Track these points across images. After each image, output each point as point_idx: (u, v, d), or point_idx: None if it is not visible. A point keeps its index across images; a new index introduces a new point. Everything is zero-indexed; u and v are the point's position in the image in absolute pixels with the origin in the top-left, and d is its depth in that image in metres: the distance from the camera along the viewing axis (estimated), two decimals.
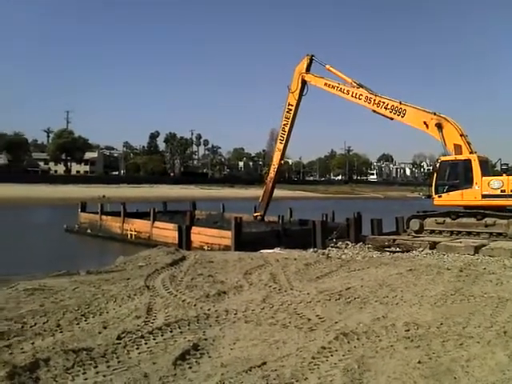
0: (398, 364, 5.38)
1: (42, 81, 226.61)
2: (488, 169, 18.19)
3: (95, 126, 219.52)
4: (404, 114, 19.23)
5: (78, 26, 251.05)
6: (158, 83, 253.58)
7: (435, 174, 18.94)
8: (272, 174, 24.41)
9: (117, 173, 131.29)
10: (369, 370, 5.18)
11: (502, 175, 17.51)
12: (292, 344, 6.05)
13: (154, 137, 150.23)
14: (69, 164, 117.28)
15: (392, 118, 19.58)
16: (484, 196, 17.23)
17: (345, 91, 20.93)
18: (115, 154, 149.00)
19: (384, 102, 19.77)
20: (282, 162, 24.04)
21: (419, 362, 5.39)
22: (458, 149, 18.06)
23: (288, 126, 23.13)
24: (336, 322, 7.00)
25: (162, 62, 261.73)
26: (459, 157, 17.94)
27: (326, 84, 21.69)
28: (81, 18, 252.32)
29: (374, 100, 19.99)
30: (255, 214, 24.71)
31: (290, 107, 22.96)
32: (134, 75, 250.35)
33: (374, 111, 20.08)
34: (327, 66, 21.79)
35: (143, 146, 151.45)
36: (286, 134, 23.29)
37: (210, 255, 13.73)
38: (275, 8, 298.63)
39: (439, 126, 18.13)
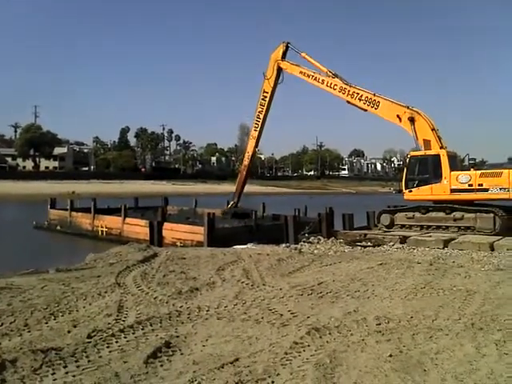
0: (369, 358, 5.43)
1: (8, 76, 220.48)
2: (456, 164, 18.49)
3: (64, 121, 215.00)
4: (378, 106, 19.36)
5: (45, 20, 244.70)
6: (129, 79, 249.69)
7: (405, 169, 19.18)
8: (246, 161, 24.51)
9: (87, 168, 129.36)
10: (340, 365, 5.21)
11: (470, 170, 17.84)
12: (264, 340, 6.05)
13: (124, 132, 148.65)
14: (37, 160, 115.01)
15: (366, 110, 19.70)
16: (453, 190, 17.53)
17: (320, 80, 20.92)
18: (85, 150, 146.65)
19: (358, 93, 19.84)
20: (257, 149, 24.02)
21: (390, 356, 5.46)
22: (427, 144, 18.35)
23: (263, 113, 23.16)
24: (308, 317, 7.03)
25: (134, 58, 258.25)
26: (428, 152, 18.22)
27: (301, 72, 21.68)
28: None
29: (349, 91, 20.04)
30: (228, 206, 24.83)
31: (265, 94, 22.99)
32: (104, 70, 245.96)
33: (349, 102, 20.13)
34: (303, 54, 21.77)
35: (114, 142, 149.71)
36: (261, 121, 23.32)
37: (182, 251, 13.63)
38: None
39: (411, 120, 18.35)
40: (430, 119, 18.50)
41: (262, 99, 23.09)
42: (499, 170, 16.99)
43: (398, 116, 18.78)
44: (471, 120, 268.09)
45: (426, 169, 18.35)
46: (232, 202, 24.96)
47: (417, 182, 18.52)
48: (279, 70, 22.55)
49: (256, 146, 24.04)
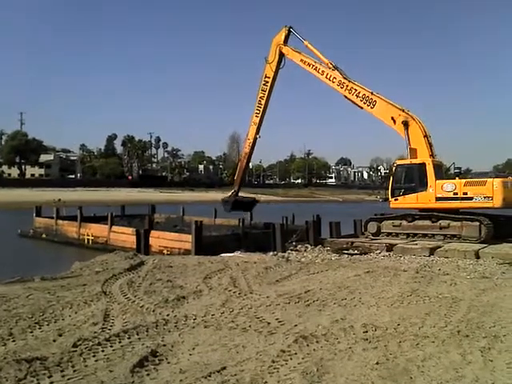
0: (356, 366, 5.44)
1: None
2: (441, 172, 18.65)
3: (51, 129, 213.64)
4: (374, 105, 19.28)
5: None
6: (116, 86, 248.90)
7: (391, 178, 19.32)
8: (247, 148, 24.22)
9: (73, 176, 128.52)
10: (328, 373, 5.22)
11: (455, 179, 18.01)
12: (252, 348, 6.04)
13: (111, 139, 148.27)
14: (23, 167, 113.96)
15: (362, 107, 19.59)
16: (438, 199, 17.69)
17: (320, 71, 20.65)
18: (72, 157, 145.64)
19: (356, 90, 19.70)
20: (258, 136, 23.53)
21: (377, 363, 5.48)
22: (413, 152, 18.51)
23: (264, 98, 22.83)
24: (295, 325, 7.03)
25: (121, 65, 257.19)
26: (414, 160, 18.37)
27: (301, 60, 21.36)
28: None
29: (347, 85, 19.88)
30: (229, 195, 25.08)
31: (266, 79, 22.69)
32: (91, 78, 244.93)
33: (346, 97, 19.96)
34: (305, 42, 21.38)
35: (100, 149, 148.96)
36: (263, 107, 22.97)
37: (169, 260, 13.57)
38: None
39: (406, 124, 18.43)
40: (424, 125, 18.57)
41: (264, 84, 22.75)
42: (483, 179, 17.18)
43: (392, 118, 18.79)
44: (457, 128, 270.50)
45: (411, 177, 18.49)
46: (233, 191, 24.90)
47: (403, 190, 18.65)
48: (281, 54, 22.17)
49: (257, 132, 23.49)
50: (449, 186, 17.51)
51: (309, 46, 21.31)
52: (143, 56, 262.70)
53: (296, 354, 5.80)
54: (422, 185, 18.02)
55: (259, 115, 23.10)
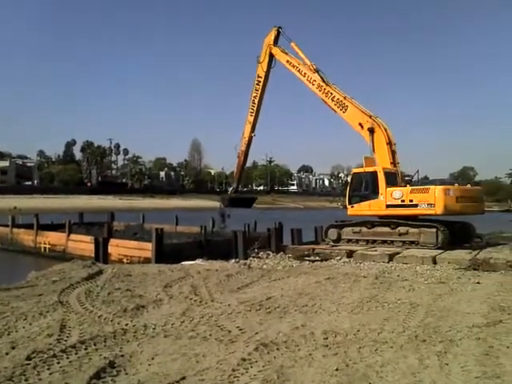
0: (316, 372, 5.46)
1: None
2: (397, 180, 18.92)
3: (6, 134, 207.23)
4: (346, 110, 19.64)
5: None
6: (75, 91, 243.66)
7: (349, 185, 19.72)
8: (243, 147, 24.63)
9: (30, 183, 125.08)
10: (288, 380, 5.21)
11: (406, 186, 18.41)
12: (212, 357, 5.98)
13: (70, 145, 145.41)
14: None
15: (335, 111, 19.98)
16: (388, 206, 18.10)
17: (302, 73, 21.15)
18: (28, 164, 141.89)
19: (332, 94, 20.08)
20: (253, 134, 24.18)
21: (337, 370, 5.50)
22: (368, 161, 18.98)
23: (257, 97, 23.47)
24: (256, 333, 7.01)
25: (80, 70, 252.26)
26: (367, 168, 18.89)
27: (287, 61, 21.91)
28: None
29: (325, 89, 20.28)
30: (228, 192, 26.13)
31: (259, 79, 23.33)
32: (50, 83, 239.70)
33: (323, 100, 20.36)
34: (292, 43, 21.93)
35: (59, 155, 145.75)
36: (256, 106, 23.59)
37: (129, 268, 13.34)
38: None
39: (371, 130, 18.82)
40: (389, 133, 18.96)
41: (257, 84, 23.43)
42: (427, 187, 17.68)
43: (360, 124, 19.18)
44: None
45: (365, 185, 18.92)
46: (232, 188, 25.68)
47: (358, 197, 19.02)
48: (272, 55, 22.78)
49: (252, 131, 24.11)
50: (397, 194, 17.93)
51: (295, 47, 21.85)
52: (101, 60, 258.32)
53: (257, 361, 5.78)
54: (374, 192, 18.43)
55: (253, 114, 23.74)
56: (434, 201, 17.01)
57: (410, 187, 18.06)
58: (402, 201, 17.76)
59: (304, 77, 21.05)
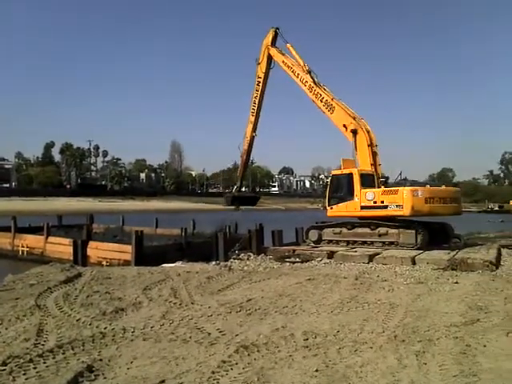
0: (296, 374, 5.46)
1: None
2: (373, 182, 18.99)
3: None
4: (333, 111, 19.80)
5: None
6: (55, 91, 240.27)
7: (328, 187, 19.86)
8: (245, 146, 24.91)
9: (8, 185, 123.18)
10: (268, 382, 5.20)
11: (380, 187, 18.58)
12: (192, 360, 5.94)
13: (48, 147, 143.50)
14: None
15: (324, 112, 20.16)
16: (362, 207, 18.26)
17: (296, 73, 21.33)
18: (6, 166, 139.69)
19: (321, 95, 20.23)
20: (255, 134, 24.50)
21: (316, 371, 5.51)
22: (346, 162, 19.14)
23: (258, 97, 23.77)
24: (237, 335, 6.99)
25: (56, 69, 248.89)
26: (345, 170, 19.06)
27: (283, 62, 22.12)
28: None
29: (315, 90, 20.43)
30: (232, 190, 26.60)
31: (258, 79, 23.62)
32: (29, 82, 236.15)
33: (313, 101, 20.51)
34: (288, 45, 22.13)
35: (37, 157, 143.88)
36: (257, 105, 23.89)
37: (108, 271, 13.19)
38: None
39: (354, 132, 18.99)
40: (372, 135, 19.14)
41: (257, 84, 23.72)
42: (396, 188, 17.88)
43: (344, 125, 19.34)
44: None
45: (342, 186, 19.07)
46: (236, 186, 26.12)
47: (337, 199, 19.15)
48: (269, 55, 23.01)
49: (254, 130, 24.45)
50: (370, 195, 18.10)
51: (290, 48, 22.04)
52: (81, 61, 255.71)
53: (237, 364, 5.75)
54: (350, 194, 18.58)
55: (254, 114, 24.05)
56: (402, 202, 17.18)
57: (382, 189, 18.24)
58: (375, 202, 17.94)
59: (297, 78, 21.26)
